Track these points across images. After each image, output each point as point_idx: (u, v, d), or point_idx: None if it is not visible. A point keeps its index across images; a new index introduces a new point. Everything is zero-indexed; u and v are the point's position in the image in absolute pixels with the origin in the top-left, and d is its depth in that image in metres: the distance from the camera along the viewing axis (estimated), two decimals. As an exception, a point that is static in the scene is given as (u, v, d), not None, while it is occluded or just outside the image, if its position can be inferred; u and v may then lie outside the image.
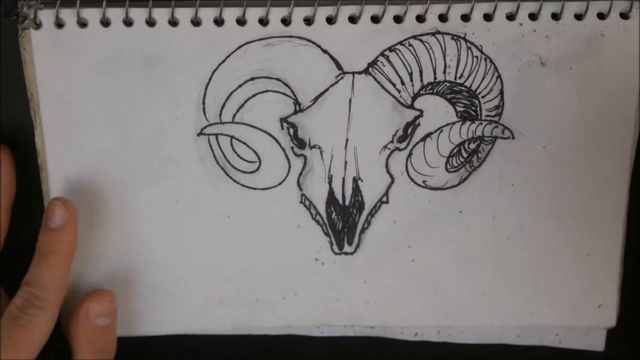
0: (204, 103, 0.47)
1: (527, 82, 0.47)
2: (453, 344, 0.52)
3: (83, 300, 0.48)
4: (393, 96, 0.46)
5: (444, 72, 0.46)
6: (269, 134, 0.47)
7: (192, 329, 0.51)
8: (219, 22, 0.45)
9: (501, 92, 0.47)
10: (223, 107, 0.47)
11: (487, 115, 0.47)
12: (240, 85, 0.46)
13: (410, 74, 0.46)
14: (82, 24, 0.45)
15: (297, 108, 0.47)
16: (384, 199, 0.49)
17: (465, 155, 0.48)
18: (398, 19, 0.45)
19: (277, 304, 0.50)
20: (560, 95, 0.47)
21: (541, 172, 0.48)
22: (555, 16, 0.46)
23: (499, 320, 0.51)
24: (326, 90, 0.46)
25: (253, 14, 0.45)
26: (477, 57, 0.46)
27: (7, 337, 0.44)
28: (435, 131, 0.47)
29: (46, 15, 0.45)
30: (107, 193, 0.48)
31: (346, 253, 0.50)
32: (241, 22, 0.45)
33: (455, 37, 0.46)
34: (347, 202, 0.48)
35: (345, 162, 0.48)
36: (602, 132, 0.48)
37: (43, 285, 0.45)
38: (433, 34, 0.46)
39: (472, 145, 0.48)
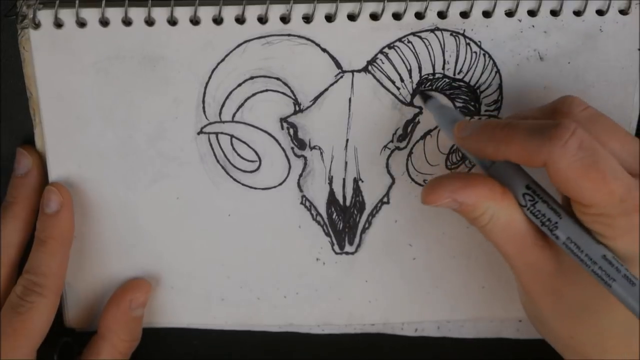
0: (203, 102, 0.47)
1: (526, 77, 0.47)
2: (453, 338, 0.52)
3: (124, 291, 0.49)
4: (392, 94, 0.46)
5: (443, 68, 0.46)
6: (269, 134, 0.47)
7: (194, 324, 0.52)
8: (218, 20, 0.45)
9: (500, 87, 0.47)
10: (223, 106, 0.47)
11: (486, 110, 0.47)
12: (239, 84, 0.46)
13: (410, 71, 0.46)
14: (81, 23, 0.45)
15: (297, 108, 0.47)
16: (385, 200, 0.49)
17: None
18: (397, 17, 0.45)
19: (278, 303, 0.51)
20: (559, 90, 0.47)
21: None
22: (554, 13, 0.46)
23: (499, 313, 0.52)
24: (326, 89, 0.46)
25: (252, 12, 0.45)
26: (475, 52, 0.46)
27: (7, 325, 0.45)
28: (435, 128, 0.47)
29: (45, 15, 0.45)
30: (108, 192, 0.48)
31: (347, 253, 0.50)
32: (240, 20, 0.45)
33: (454, 34, 0.46)
34: (347, 203, 0.48)
35: (346, 163, 0.48)
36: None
37: (41, 272, 0.46)
38: (432, 31, 0.46)
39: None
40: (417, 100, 0.47)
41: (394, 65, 0.46)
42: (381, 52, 0.46)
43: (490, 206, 0.39)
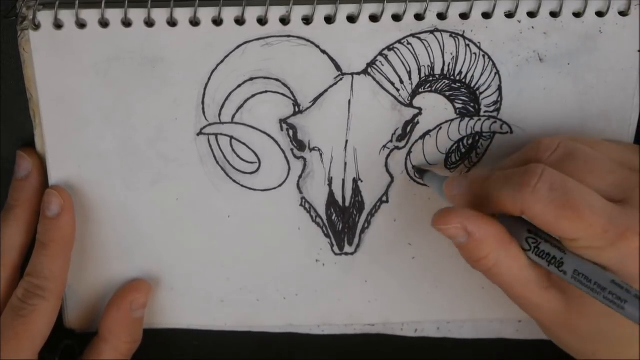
0: (203, 103, 0.47)
1: (526, 78, 0.47)
2: (453, 339, 0.53)
3: (124, 293, 0.49)
4: (392, 95, 0.46)
5: (443, 70, 0.46)
6: (269, 135, 0.47)
7: (195, 325, 0.52)
8: (217, 22, 0.45)
9: (499, 88, 0.47)
10: (222, 107, 0.47)
11: (485, 111, 0.47)
12: (239, 86, 0.46)
13: (409, 73, 0.46)
14: (81, 24, 0.45)
15: (297, 109, 0.47)
16: (384, 199, 0.49)
17: (463, 151, 0.48)
18: (397, 18, 0.45)
19: (278, 304, 0.51)
20: (559, 91, 0.47)
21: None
22: (554, 14, 0.46)
23: (498, 314, 0.52)
24: (325, 91, 0.46)
25: (252, 13, 0.45)
26: (475, 54, 0.46)
27: (9, 328, 0.45)
28: (434, 129, 0.47)
29: (45, 16, 0.45)
30: (108, 193, 0.48)
31: (347, 253, 0.50)
32: (240, 21, 0.45)
33: (453, 35, 0.46)
34: (347, 203, 0.49)
35: (345, 164, 0.48)
36: (600, 128, 0.48)
37: (43, 275, 0.46)
38: (431, 32, 0.46)
39: (470, 141, 0.48)
40: (417, 101, 0.47)
41: (393, 67, 0.46)
42: (381, 54, 0.46)
43: (495, 249, 0.40)
